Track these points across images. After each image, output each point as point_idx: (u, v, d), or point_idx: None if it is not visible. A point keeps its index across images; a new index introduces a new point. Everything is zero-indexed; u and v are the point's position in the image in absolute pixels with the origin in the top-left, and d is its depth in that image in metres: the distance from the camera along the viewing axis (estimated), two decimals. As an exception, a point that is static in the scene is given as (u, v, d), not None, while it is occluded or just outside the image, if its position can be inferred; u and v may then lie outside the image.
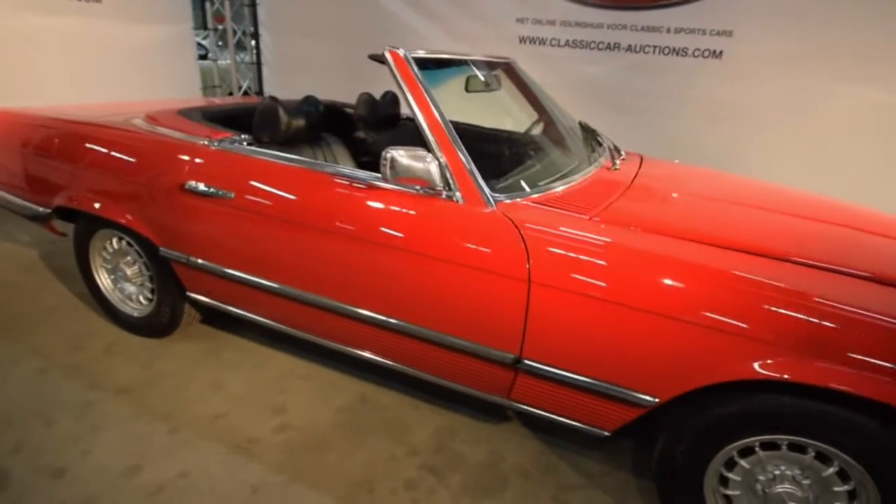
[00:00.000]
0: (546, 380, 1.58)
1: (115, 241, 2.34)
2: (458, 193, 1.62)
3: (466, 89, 2.22)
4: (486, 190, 1.62)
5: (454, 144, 1.65)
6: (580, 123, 2.51)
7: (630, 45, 4.05)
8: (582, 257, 1.46)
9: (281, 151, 1.93)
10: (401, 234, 1.64)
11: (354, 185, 1.73)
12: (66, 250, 3.31)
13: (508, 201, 1.63)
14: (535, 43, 4.34)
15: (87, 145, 2.18)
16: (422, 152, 1.60)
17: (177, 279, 2.22)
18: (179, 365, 2.32)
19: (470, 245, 1.56)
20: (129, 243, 2.31)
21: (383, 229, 1.66)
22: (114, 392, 2.13)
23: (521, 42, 4.39)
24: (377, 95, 2.78)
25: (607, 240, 1.48)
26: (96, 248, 2.41)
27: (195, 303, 2.27)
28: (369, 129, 2.84)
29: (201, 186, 1.90)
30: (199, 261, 2.03)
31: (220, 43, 5.36)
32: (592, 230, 1.52)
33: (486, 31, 4.47)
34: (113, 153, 2.11)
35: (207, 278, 2.07)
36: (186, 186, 1.92)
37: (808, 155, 3.75)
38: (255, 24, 5.33)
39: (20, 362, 2.26)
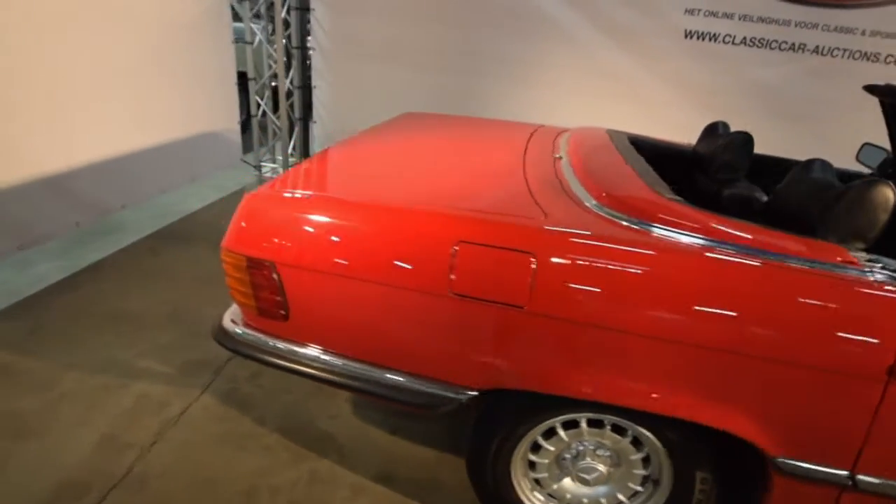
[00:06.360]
0: None
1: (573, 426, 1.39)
2: None
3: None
4: None
5: None
6: None
7: (817, 47, 3.64)
8: None
9: None
10: None
11: None
12: (257, 383, 2.09)
13: None
14: (703, 38, 3.74)
15: (627, 274, 1.19)
16: None
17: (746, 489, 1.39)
18: None
19: None
20: (614, 428, 1.39)
21: None
22: None
23: (686, 37, 3.76)
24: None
25: None
26: (527, 439, 1.44)
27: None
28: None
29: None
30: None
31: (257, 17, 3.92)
32: None
33: (644, 21, 3.76)
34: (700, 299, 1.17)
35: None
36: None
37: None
38: (303, -6, 3.98)
39: None
